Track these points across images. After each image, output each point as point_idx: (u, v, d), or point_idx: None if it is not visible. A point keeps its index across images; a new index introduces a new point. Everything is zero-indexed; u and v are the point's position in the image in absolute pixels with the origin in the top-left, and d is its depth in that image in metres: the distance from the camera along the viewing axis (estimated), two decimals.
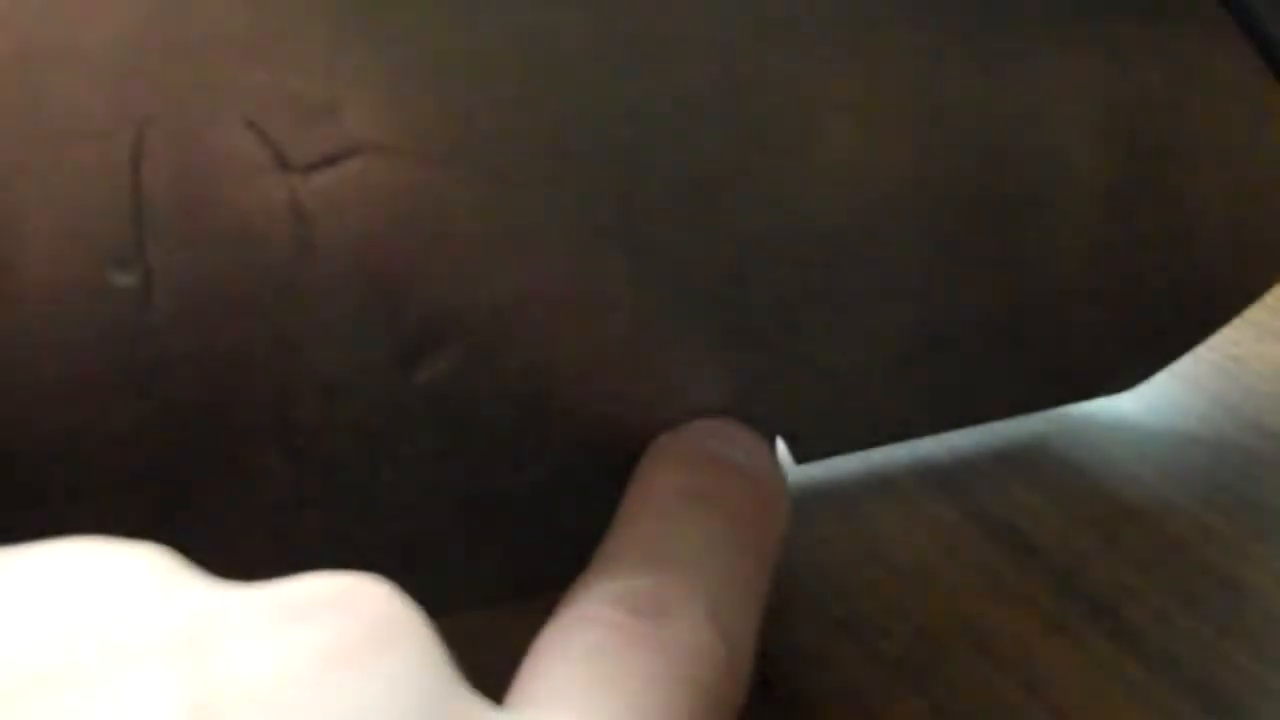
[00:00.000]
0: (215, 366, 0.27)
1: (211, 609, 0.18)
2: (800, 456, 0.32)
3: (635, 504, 0.27)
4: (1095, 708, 0.29)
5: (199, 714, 0.16)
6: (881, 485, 0.36)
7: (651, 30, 0.27)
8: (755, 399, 0.31)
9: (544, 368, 0.29)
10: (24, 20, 0.23)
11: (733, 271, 0.30)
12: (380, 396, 0.29)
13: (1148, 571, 0.33)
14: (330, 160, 0.26)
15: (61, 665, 0.17)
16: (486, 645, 0.30)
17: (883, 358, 0.32)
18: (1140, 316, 0.34)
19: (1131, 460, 0.37)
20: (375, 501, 0.29)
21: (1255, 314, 0.44)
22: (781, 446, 0.32)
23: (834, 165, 0.30)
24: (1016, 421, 0.38)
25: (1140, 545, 0.34)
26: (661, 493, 0.27)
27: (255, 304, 0.27)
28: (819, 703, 0.29)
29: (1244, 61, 0.32)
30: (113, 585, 0.18)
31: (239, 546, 0.29)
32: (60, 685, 0.16)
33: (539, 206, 0.28)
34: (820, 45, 0.29)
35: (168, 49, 0.24)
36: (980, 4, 0.30)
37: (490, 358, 0.29)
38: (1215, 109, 0.33)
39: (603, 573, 0.25)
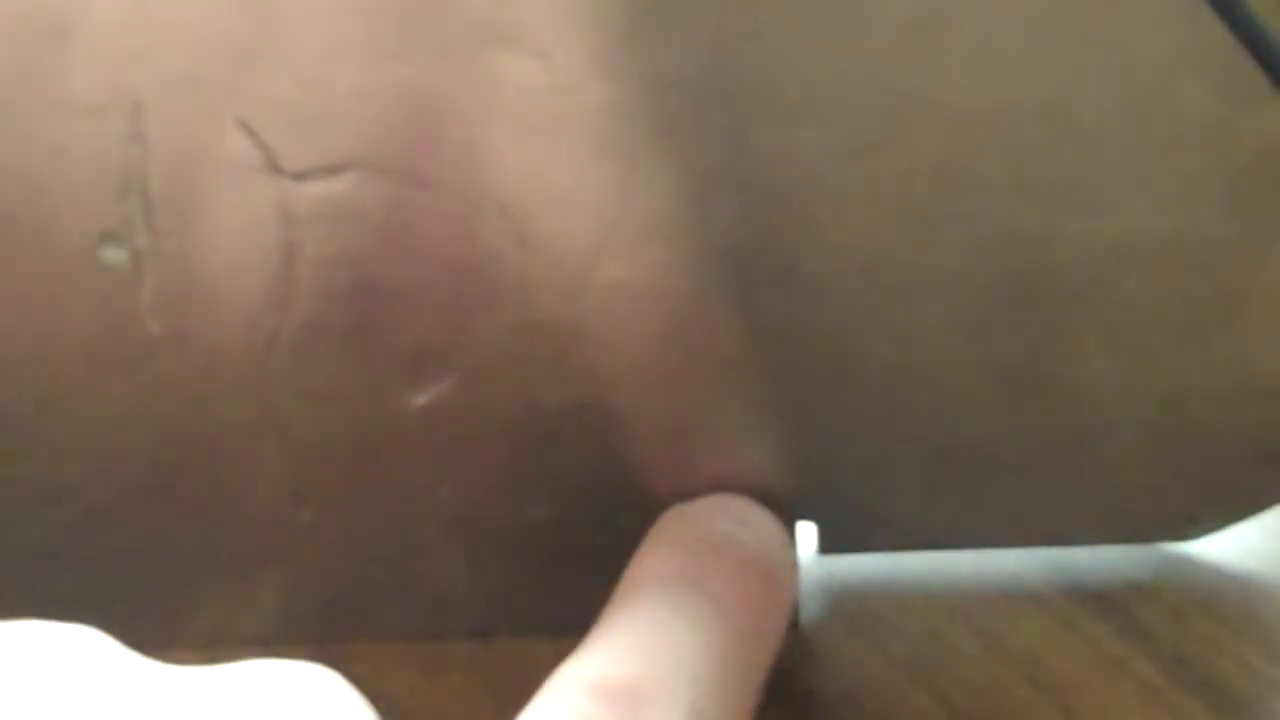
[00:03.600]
0: (204, 356, 0.28)
1: (160, 696, 0.18)
2: (825, 546, 0.32)
3: (629, 586, 0.27)
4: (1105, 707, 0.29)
5: None
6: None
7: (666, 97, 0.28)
8: (776, 479, 0.30)
9: (543, 407, 0.30)
10: None
11: (754, 347, 0.30)
12: (374, 413, 0.29)
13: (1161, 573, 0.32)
14: (324, 171, 0.27)
15: None
16: (483, 674, 0.31)
17: (915, 456, 0.31)
18: (1209, 463, 0.31)
19: None
20: (368, 514, 0.30)
21: None
22: (806, 533, 0.31)
23: (857, 246, 0.29)
24: None
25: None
26: (657, 576, 0.26)
27: (245, 300, 0.27)
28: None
29: None
30: (58, 668, 0.18)
31: (234, 537, 0.29)
32: None
33: (538, 245, 0.28)
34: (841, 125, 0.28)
35: (162, 38, 0.26)
36: None
37: (488, 388, 0.29)
38: None
39: (584, 659, 0.24)
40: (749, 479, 0.30)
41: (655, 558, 0.27)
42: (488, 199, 0.28)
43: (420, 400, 0.29)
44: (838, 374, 0.30)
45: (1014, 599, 0.32)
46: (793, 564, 0.28)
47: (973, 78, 0.27)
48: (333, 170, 0.27)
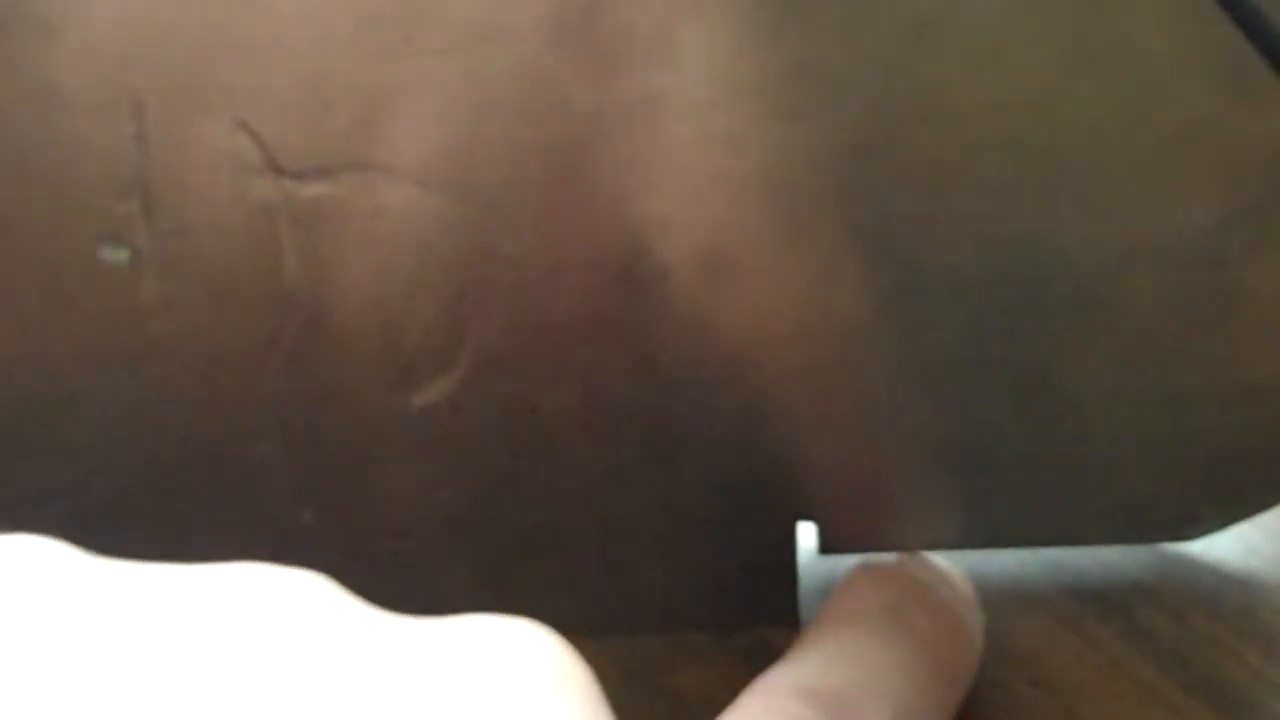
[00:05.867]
0: (205, 355, 0.28)
1: (387, 645, 0.18)
2: (825, 546, 0.32)
3: (833, 612, 0.28)
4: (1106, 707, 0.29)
5: None
6: None
7: (648, 89, 0.28)
8: (776, 479, 0.31)
9: (544, 407, 0.30)
10: None
11: (749, 346, 0.30)
12: (376, 413, 0.29)
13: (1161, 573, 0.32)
14: (324, 171, 0.27)
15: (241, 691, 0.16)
16: None
17: (916, 456, 0.31)
18: (1209, 463, 0.31)
19: None
20: (370, 514, 0.30)
21: None
22: (806, 533, 0.31)
23: (858, 249, 0.29)
24: None
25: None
26: (864, 605, 0.28)
27: (244, 300, 0.27)
28: None
29: None
30: (284, 613, 0.18)
31: (235, 537, 0.29)
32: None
33: (536, 242, 0.29)
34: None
35: (162, 39, 0.26)
36: None
37: (488, 390, 0.29)
38: None
39: (791, 667, 0.26)
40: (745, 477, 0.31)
41: (860, 590, 0.28)
42: (488, 198, 0.28)
43: (420, 400, 0.29)
44: (838, 373, 0.30)
45: (1014, 599, 0.32)
46: (980, 624, 0.29)
47: (973, 77, 0.27)
48: (333, 170, 0.27)
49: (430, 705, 0.17)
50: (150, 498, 0.30)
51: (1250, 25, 0.27)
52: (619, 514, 0.30)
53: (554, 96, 0.28)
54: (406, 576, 0.30)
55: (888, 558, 0.29)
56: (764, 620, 0.31)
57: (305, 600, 0.18)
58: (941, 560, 0.30)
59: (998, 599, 0.32)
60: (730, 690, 0.30)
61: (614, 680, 0.30)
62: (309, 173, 0.27)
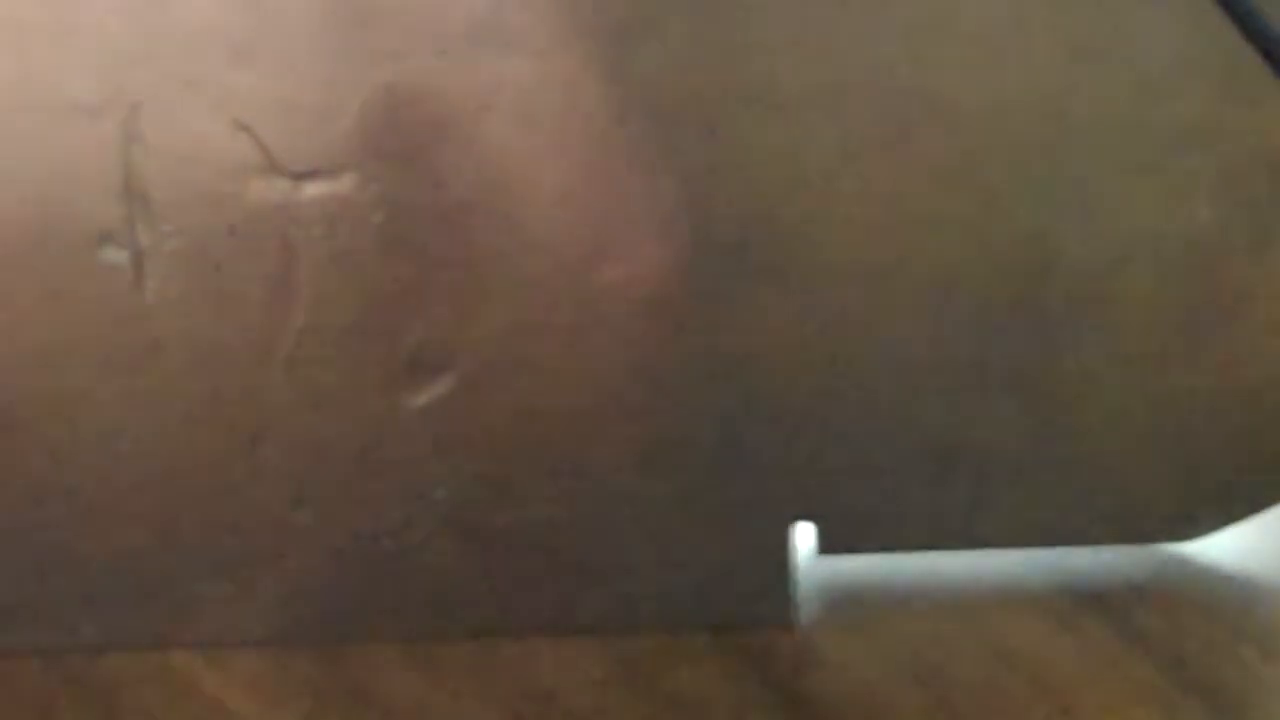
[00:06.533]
0: (207, 355, 0.28)
1: None
2: (825, 546, 0.32)
3: None
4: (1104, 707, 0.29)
5: None
6: None
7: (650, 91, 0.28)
8: (777, 479, 0.31)
9: (543, 407, 0.30)
10: None
11: (748, 346, 0.30)
12: (374, 413, 0.29)
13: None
14: (324, 172, 0.27)
15: None
16: (482, 675, 0.31)
17: (915, 456, 0.31)
18: (1209, 463, 0.31)
19: None
20: (370, 514, 0.30)
21: None
22: (805, 533, 0.31)
23: (857, 245, 0.29)
24: None
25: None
26: None
27: (245, 300, 0.27)
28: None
29: None
30: None
31: (235, 537, 0.29)
32: None
33: (536, 243, 0.28)
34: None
35: (157, 40, 0.26)
36: None
37: (488, 388, 0.29)
38: None
39: None
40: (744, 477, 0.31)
41: None
42: (487, 199, 0.28)
43: (420, 400, 0.29)
44: (837, 373, 0.30)
45: (1014, 599, 0.32)
46: None
47: (973, 78, 0.27)
48: (332, 170, 0.27)
49: None
50: (150, 498, 0.30)
51: (1250, 25, 0.27)
52: (618, 514, 0.30)
53: (555, 99, 0.28)
54: (406, 576, 0.30)
55: None
56: (763, 620, 0.31)
57: None
58: None
59: (998, 599, 0.32)
60: (730, 690, 0.30)
61: (614, 680, 0.30)
62: (309, 173, 0.27)
